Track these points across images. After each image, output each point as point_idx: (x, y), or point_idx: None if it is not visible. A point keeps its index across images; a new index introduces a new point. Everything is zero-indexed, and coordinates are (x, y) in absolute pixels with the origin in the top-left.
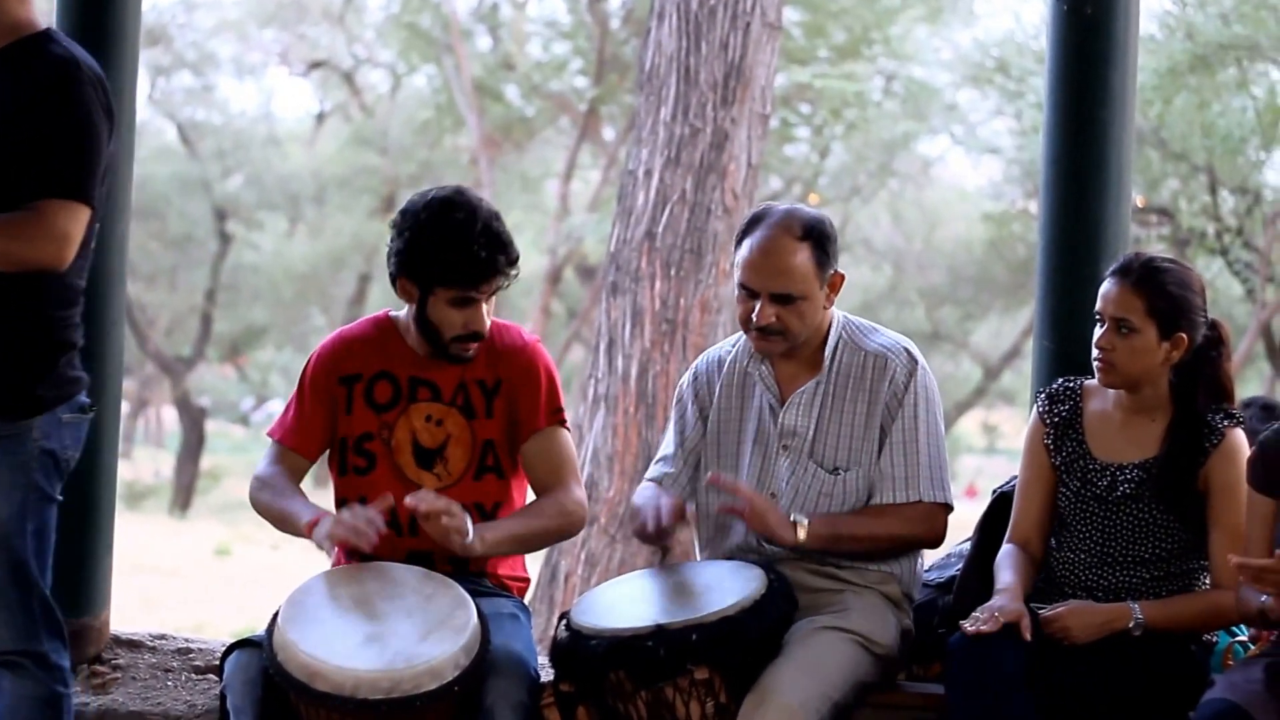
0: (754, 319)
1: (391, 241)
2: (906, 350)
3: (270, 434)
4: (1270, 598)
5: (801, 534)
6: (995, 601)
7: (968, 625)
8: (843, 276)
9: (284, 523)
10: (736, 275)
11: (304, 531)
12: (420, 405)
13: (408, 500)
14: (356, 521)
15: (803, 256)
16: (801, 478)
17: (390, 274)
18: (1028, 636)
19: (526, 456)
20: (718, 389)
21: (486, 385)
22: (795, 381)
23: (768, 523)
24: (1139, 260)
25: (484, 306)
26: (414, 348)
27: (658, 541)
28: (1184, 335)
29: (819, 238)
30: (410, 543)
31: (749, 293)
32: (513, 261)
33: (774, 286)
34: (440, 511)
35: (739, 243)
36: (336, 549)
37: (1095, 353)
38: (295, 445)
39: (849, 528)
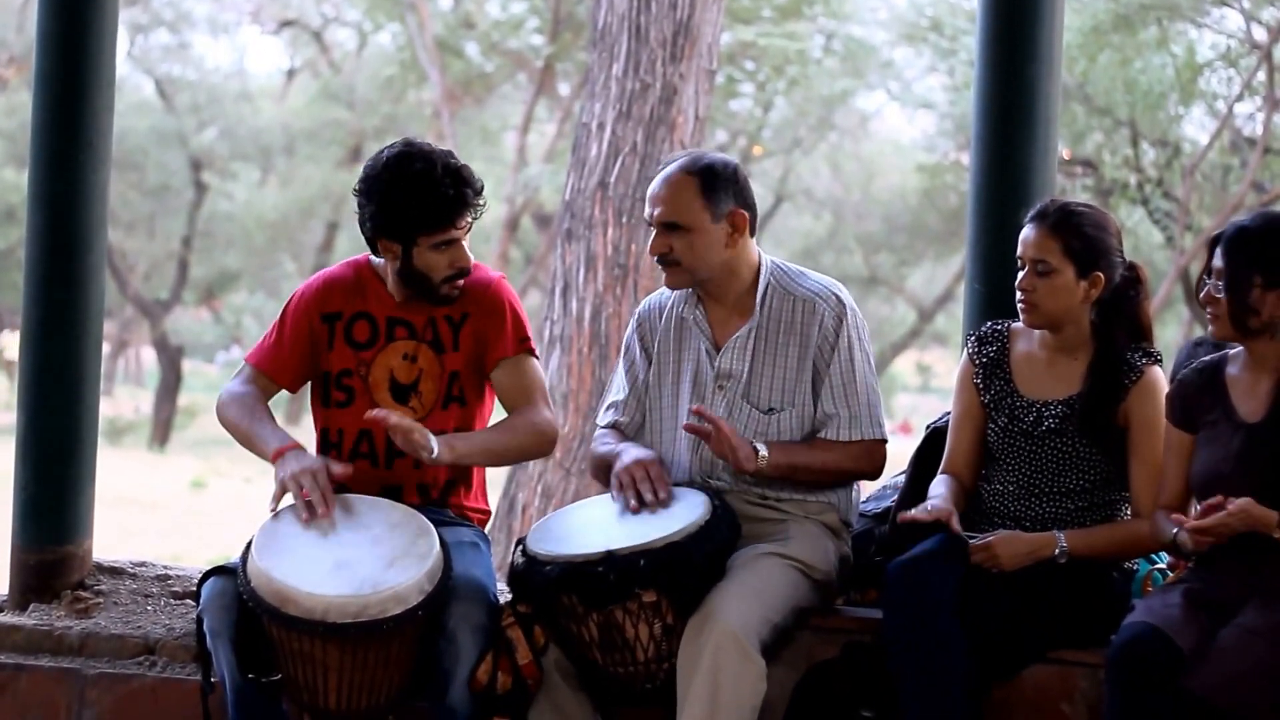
0: (650, 249)
1: (361, 209)
2: (835, 295)
3: (247, 359)
4: (1187, 535)
5: (762, 462)
6: (929, 503)
7: (903, 515)
8: (745, 216)
9: (249, 441)
10: None
11: (269, 457)
12: (397, 344)
13: (374, 414)
14: (313, 486)
15: (687, 189)
16: (737, 418)
17: (367, 239)
18: (956, 527)
19: (497, 383)
20: (658, 333)
21: (453, 319)
22: (728, 326)
23: (736, 448)
24: (1054, 205)
25: (464, 243)
26: (391, 292)
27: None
28: (1101, 274)
29: (707, 174)
30: (383, 475)
31: (650, 225)
32: (479, 191)
33: (658, 214)
34: (403, 430)
35: None
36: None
37: (1018, 295)
38: (270, 371)
39: (804, 458)
